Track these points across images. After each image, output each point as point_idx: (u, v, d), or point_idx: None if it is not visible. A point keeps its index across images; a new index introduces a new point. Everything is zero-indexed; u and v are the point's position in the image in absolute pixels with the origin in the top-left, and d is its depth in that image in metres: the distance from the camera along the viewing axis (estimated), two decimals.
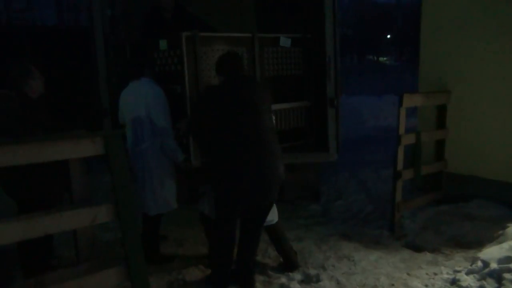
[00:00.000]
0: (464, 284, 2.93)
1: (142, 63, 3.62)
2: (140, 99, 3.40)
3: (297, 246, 3.74)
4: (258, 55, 4.06)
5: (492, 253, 3.17)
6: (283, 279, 3.27)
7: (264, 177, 2.87)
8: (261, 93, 2.99)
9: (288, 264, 3.44)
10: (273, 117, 3.15)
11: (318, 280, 3.25)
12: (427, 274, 3.28)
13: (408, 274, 3.30)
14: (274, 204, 3.26)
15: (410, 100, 4.27)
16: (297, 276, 3.32)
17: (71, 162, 2.56)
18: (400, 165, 4.14)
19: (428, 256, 3.64)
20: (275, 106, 3.84)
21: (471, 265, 3.16)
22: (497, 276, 2.86)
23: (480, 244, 3.65)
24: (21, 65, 3.13)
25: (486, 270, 2.96)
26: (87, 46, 4.55)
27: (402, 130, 4.11)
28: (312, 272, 3.36)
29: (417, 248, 3.82)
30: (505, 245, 3.25)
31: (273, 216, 3.32)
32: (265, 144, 2.88)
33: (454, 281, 3.04)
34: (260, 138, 2.87)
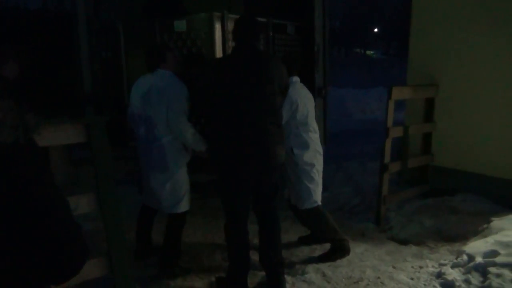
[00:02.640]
0: (449, 277, 2.93)
1: (160, 51, 3.19)
2: (156, 95, 3.07)
3: (282, 238, 3.69)
4: (271, 40, 3.99)
5: (477, 246, 3.18)
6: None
7: (259, 159, 2.73)
8: (271, 70, 2.72)
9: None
10: (284, 98, 2.93)
11: (304, 272, 3.22)
12: (412, 267, 3.28)
13: (393, 267, 3.30)
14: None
15: (399, 93, 4.25)
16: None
17: (51, 149, 2.47)
18: (387, 158, 4.13)
19: (413, 249, 3.64)
20: None
21: (456, 259, 3.16)
22: (482, 270, 2.87)
23: (465, 237, 3.66)
24: None
25: (471, 263, 2.96)
26: (71, 31, 4.41)
27: (390, 122, 4.10)
28: (298, 264, 3.33)
29: (402, 241, 3.82)
30: (490, 239, 3.26)
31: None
32: (262, 125, 2.70)
33: (439, 275, 3.04)
34: (257, 118, 2.69)
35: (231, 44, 3.52)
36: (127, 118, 3.34)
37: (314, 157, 3.35)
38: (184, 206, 3.23)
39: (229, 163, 2.75)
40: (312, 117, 3.37)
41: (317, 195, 3.40)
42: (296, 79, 3.26)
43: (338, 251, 3.45)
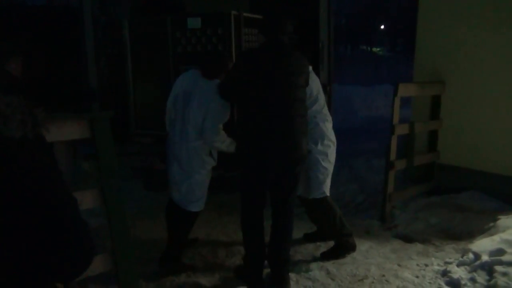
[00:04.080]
0: (455, 276, 2.91)
1: (224, 61, 3.18)
2: (198, 101, 3.06)
3: None
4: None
5: (484, 245, 3.15)
6: None
7: (285, 150, 2.77)
8: (297, 63, 2.81)
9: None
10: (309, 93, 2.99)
11: (308, 269, 3.21)
12: (417, 265, 3.26)
13: (398, 265, 3.28)
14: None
15: (405, 90, 4.22)
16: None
17: (55, 145, 2.47)
18: (393, 155, 4.11)
19: (418, 247, 3.62)
20: None
21: (462, 257, 3.14)
22: (488, 268, 2.84)
23: (471, 235, 3.64)
24: (2, 43, 3.01)
25: (477, 262, 2.94)
26: (77, 27, 4.42)
27: (396, 119, 4.07)
28: (302, 261, 3.33)
29: (407, 239, 3.80)
30: (496, 237, 3.23)
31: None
32: (290, 117, 2.75)
33: (445, 273, 3.02)
34: (286, 110, 2.74)
35: (245, 43, 3.55)
36: (167, 105, 3.28)
37: (328, 147, 3.33)
38: (196, 206, 3.23)
39: (257, 152, 2.77)
40: (326, 106, 3.38)
41: (327, 186, 3.36)
42: (310, 68, 3.21)
43: (343, 248, 3.43)
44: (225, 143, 3.11)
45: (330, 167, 3.37)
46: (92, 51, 4.26)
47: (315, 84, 3.23)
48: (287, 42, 2.84)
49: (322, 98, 3.31)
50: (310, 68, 3.18)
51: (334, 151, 3.41)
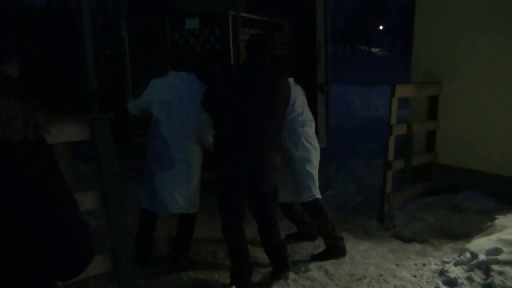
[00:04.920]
0: (452, 275, 2.93)
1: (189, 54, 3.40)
2: (188, 101, 3.15)
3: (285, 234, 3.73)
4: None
5: (481, 244, 3.17)
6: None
7: (252, 163, 2.90)
8: (277, 83, 2.95)
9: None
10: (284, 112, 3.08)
11: (306, 269, 3.23)
12: (415, 264, 3.28)
13: (396, 264, 3.30)
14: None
15: (402, 91, 4.25)
16: None
17: (54, 147, 2.48)
18: (391, 156, 4.13)
19: (416, 247, 3.64)
20: None
21: (459, 256, 3.16)
22: (485, 268, 2.86)
23: (468, 235, 3.66)
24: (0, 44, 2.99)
25: (474, 261, 2.96)
26: (75, 28, 4.43)
27: (393, 120, 4.10)
28: (301, 261, 3.35)
29: (405, 239, 3.82)
30: (494, 236, 3.25)
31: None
32: (262, 129, 2.89)
33: (442, 272, 3.04)
34: (259, 122, 2.89)
35: (242, 47, 3.64)
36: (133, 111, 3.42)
37: (308, 151, 3.40)
38: (197, 205, 3.32)
39: (228, 161, 2.92)
40: (307, 111, 3.47)
41: (316, 189, 3.42)
42: (291, 79, 3.34)
43: (333, 251, 3.43)
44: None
45: (314, 171, 3.43)
46: (91, 52, 4.28)
47: (294, 93, 3.31)
48: (268, 61, 3.00)
49: (302, 106, 3.42)
50: (290, 79, 3.31)
51: (317, 155, 3.47)
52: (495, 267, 2.82)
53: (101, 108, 4.14)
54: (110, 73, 4.26)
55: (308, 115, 3.48)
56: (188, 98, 3.16)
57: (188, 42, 3.79)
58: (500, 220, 3.61)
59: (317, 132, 4.23)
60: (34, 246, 1.20)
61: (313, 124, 3.52)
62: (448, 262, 3.16)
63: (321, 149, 3.63)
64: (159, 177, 3.21)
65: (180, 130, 3.17)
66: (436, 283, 2.94)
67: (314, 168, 3.43)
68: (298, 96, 3.39)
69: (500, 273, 2.74)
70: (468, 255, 3.08)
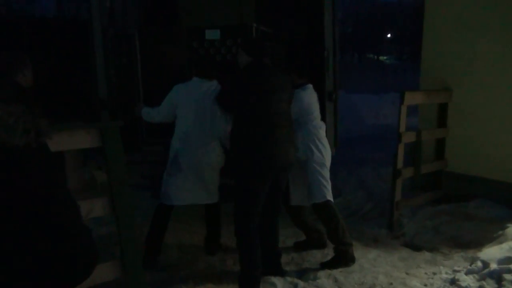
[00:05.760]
0: (463, 284, 2.89)
1: (212, 63, 3.55)
2: (211, 103, 3.36)
3: (292, 241, 3.77)
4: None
5: (492, 253, 3.13)
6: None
7: (278, 155, 2.96)
8: (280, 83, 3.08)
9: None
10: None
11: (315, 277, 3.21)
12: (426, 273, 3.25)
13: (406, 273, 3.27)
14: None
15: (412, 98, 4.23)
16: (294, 273, 3.29)
17: (66, 154, 2.51)
18: (400, 163, 4.11)
19: (426, 255, 3.60)
20: None
21: (470, 265, 3.12)
22: (497, 277, 2.83)
23: (479, 244, 3.61)
24: (14, 53, 3.04)
25: (486, 270, 2.93)
26: (86, 38, 4.49)
27: (402, 128, 4.08)
28: (310, 269, 3.33)
29: (415, 247, 3.78)
30: (505, 245, 3.21)
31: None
32: (277, 125, 2.97)
33: (453, 281, 3.00)
34: (273, 118, 2.97)
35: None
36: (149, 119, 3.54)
37: (322, 153, 3.44)
38: (218, 195, 3.58)
39: (258, 159, 2.94)
40: (318, 114, 3.56)
41: (328, 191, 3.43)
42: (310, 86, 3.50)
43: (342, 258, 3.41)
44: None
45: (327, 173, 3.47)
46: (101, 61, 4.33)
47: (309, 98, 3.45)
48: (268, 63, 3.13)
49: (315, 109, 3.51)
50: (311, 86, 3.49)
51: (329, 158, 3.54)
52: (507, 276, 2.79)
53: (111, 116, 4.18)
54: (121, 81, 4.30)
55: (319, 119, 3.57)
56: (211, 103, 3.36)
57: (209, 52, 3.93)
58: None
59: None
60: (36, 251, 1.21)
61: (324, 127, 3.59)
62: (459, 271, 3.12)
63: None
64: (186, 173, 3.40)
65: (208, 130, 3.38)
66: None
67: (327, 170, 3.46)
68: (314, 102, 3.50)
69: None
70: (479, 264, 3.04)
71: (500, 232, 3.60)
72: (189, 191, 3.44)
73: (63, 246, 1.29)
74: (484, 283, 2.85)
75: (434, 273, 3.22)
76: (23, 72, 2.96)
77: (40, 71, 3.21)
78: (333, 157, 3.98)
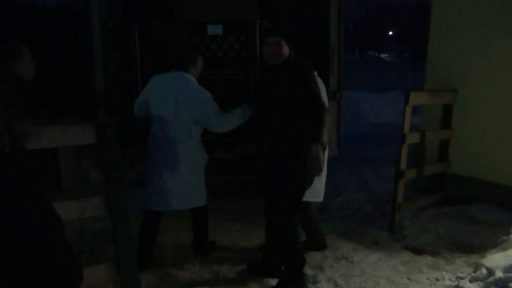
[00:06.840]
0: None
1: (191, 53, 3.32)
2: (184, 101, 3.14)
3: None
4: None
5: (497, 260, 3.05)
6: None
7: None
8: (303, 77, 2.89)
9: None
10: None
11: (315, 281, 3.14)
12: (428, 279, 3.17)
13: (408, 278, 3.19)
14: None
15: (417, 98, 4.15)
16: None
17: (60, 150, 2.42)
18: (403, 165, 4.03)
19: (428, 259, 3.52)
20: None
21: (474, 272, 3.04)
22: (502, 285, 2.74)
23: (482, 249, 3.54)
24: (10, 45, 2.91)
25: (491, 278, 2.84)
26: (84, 30, 4.39)
27: (407, 128, 4.00)
28: (310, 272, 3.25)
29: (417, 251, 3.70)
30: (510, 252, 3.14)
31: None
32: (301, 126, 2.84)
33: None
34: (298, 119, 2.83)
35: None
36: (135, 114, 3.41)
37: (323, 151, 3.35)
38: (205, 198, 3.41)
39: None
40: None
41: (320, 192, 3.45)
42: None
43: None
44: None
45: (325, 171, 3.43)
46: (99, 54, 4.23)
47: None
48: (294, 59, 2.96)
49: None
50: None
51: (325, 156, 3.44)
52: None
53: (108, 111, 4.09)
54: (118, 76, 4.20)
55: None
56: (183, 98, 3.14)
57: (210, 48, 3.83)
58: None
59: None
60: (13, 272, 1.08)
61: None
62: (463, 278, 3.05)
63: (330, 156, 3.57)
64: (166, 176, 3.22)
65: (177, 131, 3.17)
66: None
67: (325, 169, 3.40)
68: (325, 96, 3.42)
69: None
70: (484, 271, 2.96)
71: (504, 238, 3.53)
72: (170, 196, 3.24)
73: (41, 269, 1.15)
74: None
75: (437, 279, 3.15)
76: (14, 64, 2.81)
77: (39, 64, 3.08)
78: (333, 156, 3.91)
